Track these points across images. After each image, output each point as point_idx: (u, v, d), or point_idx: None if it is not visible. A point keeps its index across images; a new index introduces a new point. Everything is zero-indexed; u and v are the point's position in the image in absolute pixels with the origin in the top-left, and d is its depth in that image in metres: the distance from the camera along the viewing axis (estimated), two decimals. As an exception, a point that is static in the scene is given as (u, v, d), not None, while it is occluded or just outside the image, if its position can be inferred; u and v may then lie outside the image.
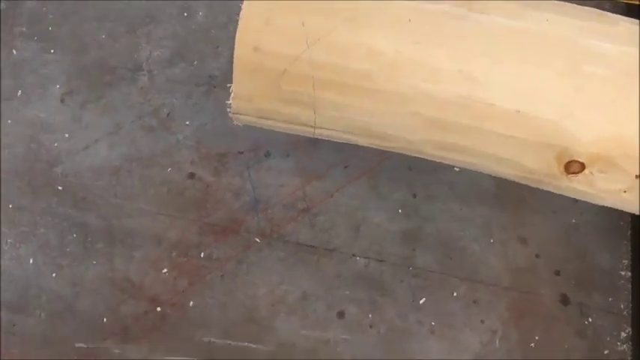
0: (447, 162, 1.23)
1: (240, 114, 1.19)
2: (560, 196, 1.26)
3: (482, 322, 1.45)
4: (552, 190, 1.21)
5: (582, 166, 1.08)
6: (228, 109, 1.20)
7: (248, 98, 1.15)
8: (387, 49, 1.13)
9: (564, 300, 1.46)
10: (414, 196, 1.59)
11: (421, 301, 1.51)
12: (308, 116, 1.16)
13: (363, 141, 1.22)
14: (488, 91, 1.11)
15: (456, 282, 1.52)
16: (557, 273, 1.48)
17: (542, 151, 1.12)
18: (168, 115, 1.70)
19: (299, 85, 1.13)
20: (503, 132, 1.12)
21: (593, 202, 1.21)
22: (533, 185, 1.21)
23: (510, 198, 1.59)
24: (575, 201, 1.37)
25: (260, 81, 1.14)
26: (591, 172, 1.08)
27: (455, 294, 1.51)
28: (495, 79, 1.11)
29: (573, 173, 1.13)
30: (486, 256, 1.54)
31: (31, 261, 1.56)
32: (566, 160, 1.12)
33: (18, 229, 1.59)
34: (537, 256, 1.50)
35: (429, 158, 1.23)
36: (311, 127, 1.18)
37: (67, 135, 1.68)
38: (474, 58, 1.13)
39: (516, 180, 1.21)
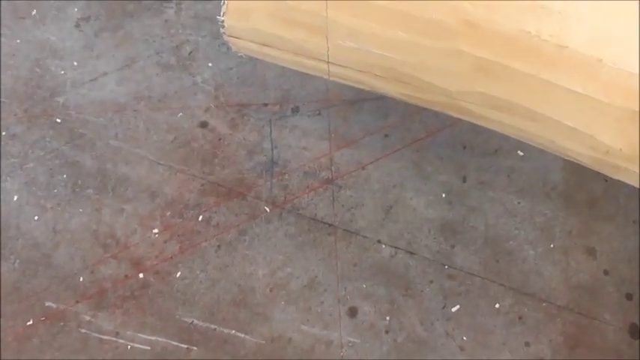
0: (497, 128, 0.97)
1: (237, 37, 0.95)
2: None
3: (526, 344, 1.25)
4: (633, 183, 0.94)
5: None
6: (222, 30, 0.95)
7: (244, 14, 0.91)
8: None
9: (634, 331, 1.25)
10: (464, 180, 1.34)
11: (453, 309, 1.28)
12: (318, 45, 0.91)
13: (389, 88, 0.95)
14: (563, 27, 0.82)
15: (500, 291, 1.29)
16: (629, 297, 1.28)
17: (626, 124, 0.87)
18: (190, 53, 1.50)
19: (306, 0, 0.86)
20: (576, 88, 0.86)
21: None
22: (608, 173, 0.95)
23: (581, 198, 1.35)
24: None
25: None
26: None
27: (497, 306, 1.28)
28: (575, 12, 0.84)
29: (665, 159, 0.86)
30: (542, 264, 1.30)
31: (15, 198, 1.40)
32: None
33: (7, 159, 1.44)
34: (606, 272, 1.29)
35: (474, 121, 0.97)
36: (323, 61, 0.92)
37: (75, 63, 1.53)
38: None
39: (586, 163, 0.95)
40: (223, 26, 0.98)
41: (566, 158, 1.03)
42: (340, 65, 0.97)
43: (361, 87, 1.03)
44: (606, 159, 0.94)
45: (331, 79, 1.01)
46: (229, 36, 0.99)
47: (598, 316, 1.27)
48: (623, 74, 0.87)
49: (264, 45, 0.99)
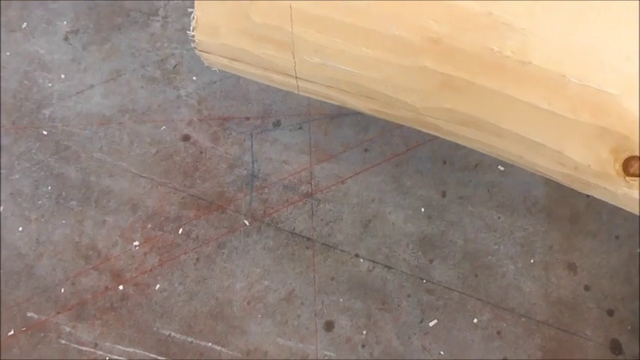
0: (465, 144, 0.96)
1: (208, 52, 0.95)
2: (625, 217, 1.05)
3: (505, 360, 1.23)
4: (606, 199, 0.92)
5: (647, 167, 0.82)
6: (193, 45, 0.96)
7: (213, 30, 0.91)
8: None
9: (616, 348, 1.24)
10: (443, 194, 1.32)
11: (431, 324, 1.28)
12: (286, 61, 0.91)
13: (357, 104, 0.95)
14: (526, 43, 0.83)
15: (478, 306, 1.28)
16: (610, 313, 1.26)
17: (594, 140, 0.85)
18: (174, 67, 1.50)
19: (272, 17, 0.87)
20: (541, 104, 0.85)
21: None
22: (580, 189, 0.94)
23: (562, 213, 1.34)
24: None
25: (226, 6, 0.88)
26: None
27: (475, 321, 1.27)
28: (536, 29, 0.83)
29: (634, 175, 0.84)
30: (522, 279, 1.29)
31: (0, 208, 1.37)
32: (626, 156, 0.84)
33: (-6, 171, 1.44)
34: (587, 288, 1.28)
35: (443, 136, 0.96)
36: (292, 76, 0.92)
37: (63, 76, 1.54)
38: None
39: (557, 179, 0.94)
40: (194, 41, 0.99)
41: (538, 174, 1.02)
42: (308, 80, 0.97)
43: (331, 102, 1.03)
44: (576, 175, 0.93)
45: (301, 93, 1.01)
46: (200, 50, 1.00)
47: (578, 332, 1.25)
48: (588, 90, 0.86)
49: (234, 60, 0.99)
